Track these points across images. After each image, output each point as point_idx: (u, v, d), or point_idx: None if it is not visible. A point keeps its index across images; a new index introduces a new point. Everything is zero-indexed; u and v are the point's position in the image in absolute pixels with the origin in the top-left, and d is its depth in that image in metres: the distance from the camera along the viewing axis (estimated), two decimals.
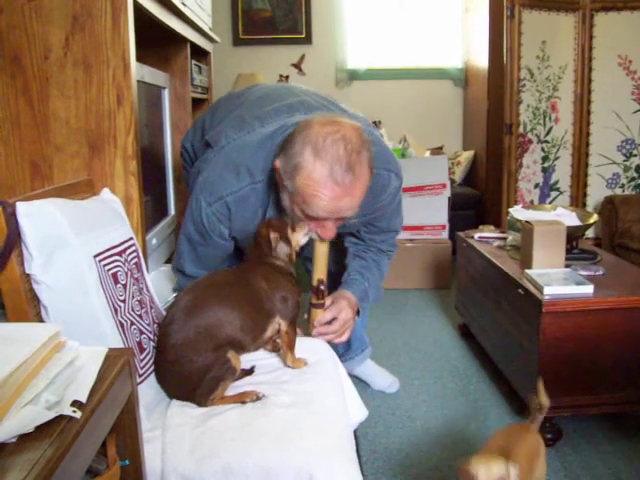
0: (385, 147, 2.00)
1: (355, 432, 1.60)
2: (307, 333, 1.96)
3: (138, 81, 1.94)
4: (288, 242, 1.77)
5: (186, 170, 2.40)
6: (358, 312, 2.08)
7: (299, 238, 1.78)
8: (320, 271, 1.93)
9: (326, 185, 1.58)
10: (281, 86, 2.29)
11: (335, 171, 1.57)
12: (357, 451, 1.47)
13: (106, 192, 1.73)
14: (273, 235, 1.75)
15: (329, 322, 1.95)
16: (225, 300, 1.61)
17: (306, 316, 1.95)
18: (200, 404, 1.55)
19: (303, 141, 1.60)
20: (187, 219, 1.90)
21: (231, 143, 1.90)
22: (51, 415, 0.89)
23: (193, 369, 1.54)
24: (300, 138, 1.62)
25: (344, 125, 1.63)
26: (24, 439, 0.86)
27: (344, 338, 2.00)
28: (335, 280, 2.15)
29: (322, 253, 1.90)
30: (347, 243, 2.23)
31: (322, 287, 1.93)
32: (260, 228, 1.80)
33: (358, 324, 2.23)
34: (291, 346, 1.72)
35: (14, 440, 0.85)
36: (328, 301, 1.97)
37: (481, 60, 5.21)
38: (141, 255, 1.71)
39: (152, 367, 1.57)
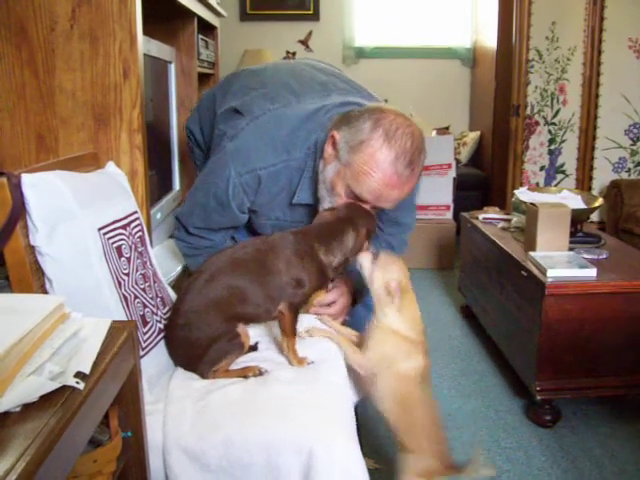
0: None
1: (356, 409, 1.61)
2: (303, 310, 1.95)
3: (144, 55, 1.93)
4: (361, 241, 1.69)
5: (191, 151, 2.37)
6: (355, 301, 2.07)
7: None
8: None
9: (385, 170, 1.59)
10: (302, 62, 2.25)
11: (398, 160, 1.59)
12: (357, 427, 1.48)
13: (111, 165, 1.73)
14: (366, 233, 1.68)
15: (328, 304, 1.94)
16: (240, 278, 1.59)
17: None
18: (202, 374, 1.56)
19: (375, 123, 1.62)
20: (209, 184, 1.85)
21: (267, 114, 1.86)
22: (55, 385, 0.90)
23: (201, 337, 1.54)
24: (372, 119, 1.63)
25: (413, 123, 1.66)
26: (28, 408, 0.86)
27: (337, 322, 2.01)
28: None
29: None
30: None
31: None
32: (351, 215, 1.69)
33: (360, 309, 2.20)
34: (288, 331, 1.62)
35: (18, 409, 0.86)
36: (330, 284, 1.96)
37: (490, 40, 5.16)
38: (145, 229, 1.71)
39: (155, 340, 1.57)
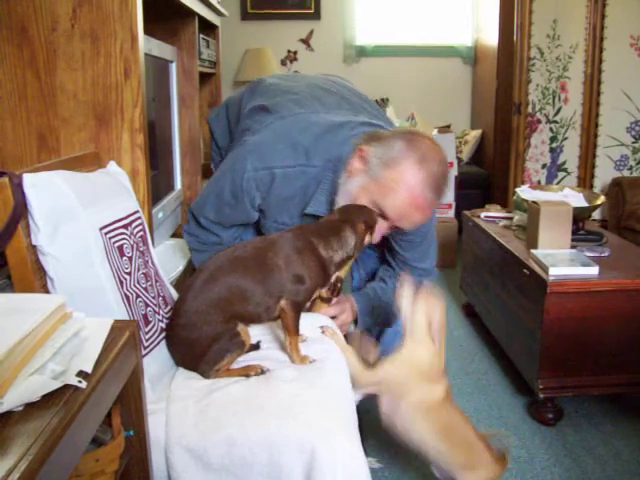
0: None
1: (358, 408, 1.61)
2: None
3: (146, 54, 1.93)
4: (364, 234, 1.69)
5: (213, 150, 2.40)
6: (356, 321, 2.07)
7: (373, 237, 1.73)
8: (343, 269, 1.91)
9: (413, 190, 1.62)
10: (333, 79, 2.28)
11: (427, 185, 1.63)
12: (359, 426, 1.48)
13: (113, 165, 1.73)
14: (364, 226, 1.67)
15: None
16: (239, 276, 1.59)
17: (309, 304, 1.95)
18: (204, 374, 1.56)
19: (410, 144, 1.65)
20: (225, 176, 1.86)
21: (293, 116, 1.88)
22: (57, 385, 0.90)
23: (202, 336, 1.54)
24: (406, 140, 1.67)
25: (442, 150, 1.72)
26: (30, 408, 0.87)
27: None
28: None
29: None
30: (380, 270, 2.19)
31: (339, 284, 1.91)
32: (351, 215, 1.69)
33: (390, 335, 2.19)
34: (291, 329, 1.61)
35: (20, 409, 0.86)
36: (334, 299, 1.96)
37: (491, 38, 5.16)
38: (147, 228, 1.71)
39: (157, 340, 1.57)
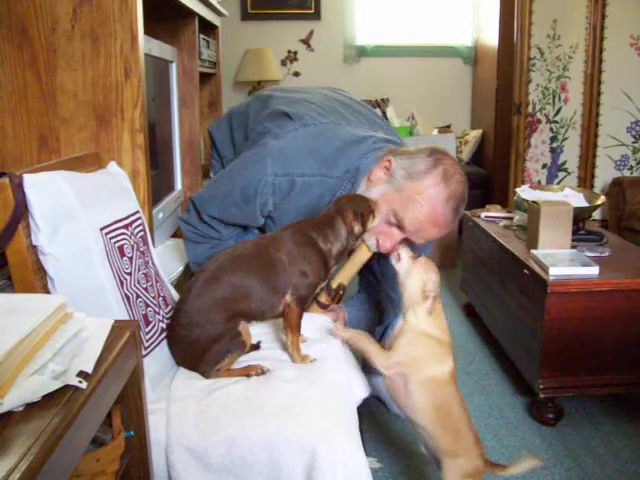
0: None
1: (358, 409, 1.61)
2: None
3: (146, 54, 1.93)
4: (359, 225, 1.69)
5: (213, 158, 2.41)
6: None
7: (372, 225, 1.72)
8: (346, 276, 1.90)
9: (435, 206, 1.65)
10: (341, 93, 2.30)
11: (448, 202, 1.65)
12: (359, 427, 1.48)
13: (113, 165, 1.73)
14: (352, 216, 1.66)
15: None
16: (242, 274, 1.59)
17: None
18: (204, 373, 1.56)
19: (436, 161, 1.67)
20: (239, 175, 1.85)
21: (317, 126, 1.91)
22: (57, 385, 0.90)
23: (203, 336, 1.55)
24: (433, 157, 1.69)
25: (465, 173, 1.72)
26: (31, 408, 0.87)
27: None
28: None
29: (360, 261, 1.86)
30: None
31: (341, 292, 1.91)
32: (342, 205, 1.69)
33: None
34: (294, 326, 1.61)
35: (21, 409, 0.86)
36: (332, 305, 1.96)
37: (491, 38, 5.16)
38: (147, 229, 1.71)
39: (157, 340, 1.58)
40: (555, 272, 2.32)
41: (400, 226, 1.69)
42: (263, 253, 1.61)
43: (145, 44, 1.91)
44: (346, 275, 1.90)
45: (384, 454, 2.18)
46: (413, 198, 1.65)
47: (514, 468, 1.64)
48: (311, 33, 5.66)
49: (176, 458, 1.34)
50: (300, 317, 1.63)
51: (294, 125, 1.89)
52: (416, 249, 1.98)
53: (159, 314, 1.62)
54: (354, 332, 1.69)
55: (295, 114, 1.94)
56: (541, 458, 1.67)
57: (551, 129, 4.65)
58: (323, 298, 1.93)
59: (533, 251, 2.53)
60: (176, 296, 1.79)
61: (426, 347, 1.60)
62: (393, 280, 1.79)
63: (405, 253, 1.63)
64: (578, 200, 2.90)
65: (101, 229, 1.43)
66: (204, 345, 1.55)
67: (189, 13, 2.69)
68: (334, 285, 1.90)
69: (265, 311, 1.61)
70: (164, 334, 1.61)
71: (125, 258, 1.51)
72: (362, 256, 1.84)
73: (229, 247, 1.70)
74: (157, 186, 2.27)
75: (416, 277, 1.61)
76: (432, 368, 1.59)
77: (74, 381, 0.92)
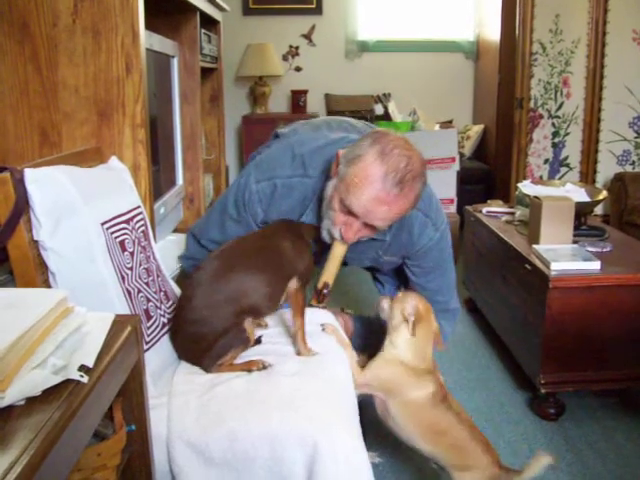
0: (433, 195, 1.98)
1: (359, 403, 1.61)
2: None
3: (147, 49, 1.93)
4: None
5: None
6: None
7: None
8: (329, 274, 1.90)
9: (373, 184, 1.61)
10: (336, 117, 2.48)
11: (388, 178, 1.60)
12: (361, 420, 1.48)
13: (114, 160, 1.73)
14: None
15: None
16: (251, 267, 1.63)
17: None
18: (207, 368, 1.57)
19: (374, 140, 1.65)
20: (230, 191, 1.94)
21: (297, 136, 2.03)
22: (58, 379, 0.90)
23: (209, 331, 1.55)
24: (372, 137, 1.67)
25: (415, 151, 1.68)
26: (32, 402, 0.87)
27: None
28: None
29: (337, 256, 1.86)
30: None
31: (325, 291, 1.91)
32: None
33: None
34: (302, 311, 1.69)
35: (22, 403, 0.87)
36: (321, 306, 1.97)
37: (493, 33, 5.15)
38: (148, 224, 1.72)
39: (159, 335, 1.58)
40: (557, 267, 2.32)
41: (352, 213, 1.69)
42: (268, 243, 1.69)
43: (146, 39, 1.91)
44: (329, 273, 1.91)
45: (385, 449, 2.18)
46: (353, 181, 1.63)
47: (530, 470, 1.63)
48: (313, 28, 5.65)
49: (177, 453, 1.34)
50: (305, 302, 1.71)
51: (278, 141, 2.05)
52: (431, 278, 2.04)
53: (160, 309, 1.62)
54: (342, 337, 1.77)
55: (284, 132, 2.13)
56: (552, 455, 1.67)
57: (553, 124, 4.64)
58: (313, 301, 1.94)
59: (535, 246, 2.53)
60: (177, 291, 1.80)
61: (395, 374, 1.67)
62: None
63: (385, 301, 1.75)
64: (580, 195, 2.89)
65: (102, 224, 1.43)
66: (210, 340, 1.55)
67: (190, 8, 2.68)
68: (319, 285, 1.92)
69: (272, 302, 1.65)
70: (165, 329, 1.61)
71: (126, 253, 1.51)
72: (337, 250, 1.86)
73: (231, 241, 1.73)
74: (158, 181, 2.27)
75: (396, 309, 1.69)
76: (406, 393, 1.65)
77: (75, 375, 0.92)
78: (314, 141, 1.93)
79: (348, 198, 1.65)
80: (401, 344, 1.67)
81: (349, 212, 1.68)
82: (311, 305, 1.93)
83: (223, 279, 1.59)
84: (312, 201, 1.85)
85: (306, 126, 2.24)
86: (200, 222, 2.05)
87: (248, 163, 2.12)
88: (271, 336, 1.76)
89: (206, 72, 3.18)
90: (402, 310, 1.67)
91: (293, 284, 1.68)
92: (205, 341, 1.56)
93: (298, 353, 1.65)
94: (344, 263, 1.92)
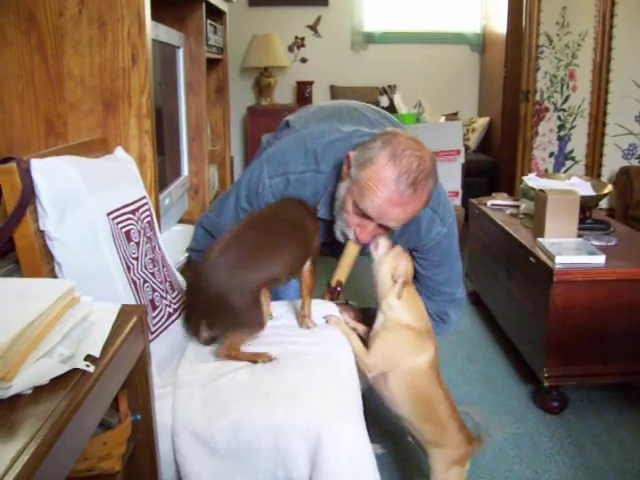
0: (442, 191, 1.97)
1: (363, 395, 1.61)
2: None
3: (153, 40, 1.93)
4: None
5: None
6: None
7: None
8: (342, 273, 1.93)
9: (387, 187, 1.62)
10: (365, 105, 2.39)
11: (401, 180, 1.61)
12: (365, 413, 1.48)
13: (120, 151, 1.73)
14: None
15: None
16: (276, 237, 1.64)
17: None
18: (216, 332, 1.57)
19: (384, 143, 1.65)
20: (241, 185, 1.93)
21: (308, 129, 2.00)
22: (65, 368, 0.91)
23: (233, 303, 1.50)
24: (383, 140, 1.67)
25: (426, 150, 1.68)
26: (39, 391, 0.87)
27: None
28: None
29: (351, 256, 1.88)
30: None
31: (339, 289, 1.93)
32: None
33: None
34: (312, 291, 1.73)
35: (29, 392, 0.87)
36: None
37: (499, 25, 5.13)
38: (154, 214, 1.72)
39: (164, 325, 1.58)
40: (561, 261, 2.32)
41: (366, 215, 1.70)
42: (289, 216, 1.71)
43: (152, 29, 1.91)
44: (343, 271, 1.93)
45: (388, 441, 2.19)
46: (366, 185, 1.64)
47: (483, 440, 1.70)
48: (318, 19, 5.64)
49: (182, 443, 1.35)
50: (314, 282, 1.75)
51: (288, 132, 2.03)
52: (439, 271, 2.03)
53: (166, 299, 1.63)
54: (346, 327, 1.75)
55: (294, 120, 2.11)
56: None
57: (559, 117, 4.63)
58: (326, 297, 1.96)
59: (539, 239, 2.53)
60: (182, 281, 1.80)
61: (401, 341, 1.65)
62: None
63: (383, 241, 1.70)
64: (585, 189, 2.89)
65: (108, 214, 1.44)
66: (227, 307, 1.50)
67: None
68: (333, 283, 1.93)
69: (291, 275, 1.68)
70: (171, 319, 1.62)
71: (132, 243, 1.51)
72: (352, 251, 1.88)
73: (255, 212, 1.77)
74: (164, 172, 2.28)
75: (387, 264, 1.67)
76: (410, 360, 1.63)
77: (82, 365, 0.92)
78: (326, 135, 1.92)
79: (362, 202, 1.66)
80: (397, 305, 1.65)
81: (363, 215, 1.69)
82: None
83: (254, 244, 1.58)
84: (324, 195, 1.86)
85: (317, 115, 2.21)
86: (211, 216, 2.02)
87: (259, 150, 2.15)
88: (276, 327, 1.77)
89: (212, 63, 3.18)
90: (393, 270, 1.65)
91: (307, 265, 1.70)
92: (224, 304, 1.50)
93: (301, 322, 1.74)
94: (361, 253, 1.92)
